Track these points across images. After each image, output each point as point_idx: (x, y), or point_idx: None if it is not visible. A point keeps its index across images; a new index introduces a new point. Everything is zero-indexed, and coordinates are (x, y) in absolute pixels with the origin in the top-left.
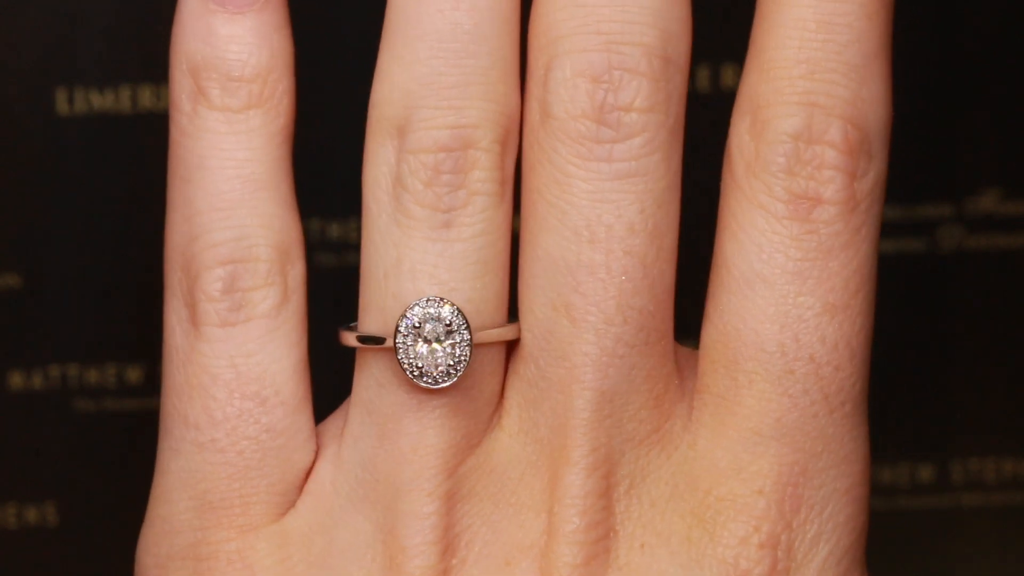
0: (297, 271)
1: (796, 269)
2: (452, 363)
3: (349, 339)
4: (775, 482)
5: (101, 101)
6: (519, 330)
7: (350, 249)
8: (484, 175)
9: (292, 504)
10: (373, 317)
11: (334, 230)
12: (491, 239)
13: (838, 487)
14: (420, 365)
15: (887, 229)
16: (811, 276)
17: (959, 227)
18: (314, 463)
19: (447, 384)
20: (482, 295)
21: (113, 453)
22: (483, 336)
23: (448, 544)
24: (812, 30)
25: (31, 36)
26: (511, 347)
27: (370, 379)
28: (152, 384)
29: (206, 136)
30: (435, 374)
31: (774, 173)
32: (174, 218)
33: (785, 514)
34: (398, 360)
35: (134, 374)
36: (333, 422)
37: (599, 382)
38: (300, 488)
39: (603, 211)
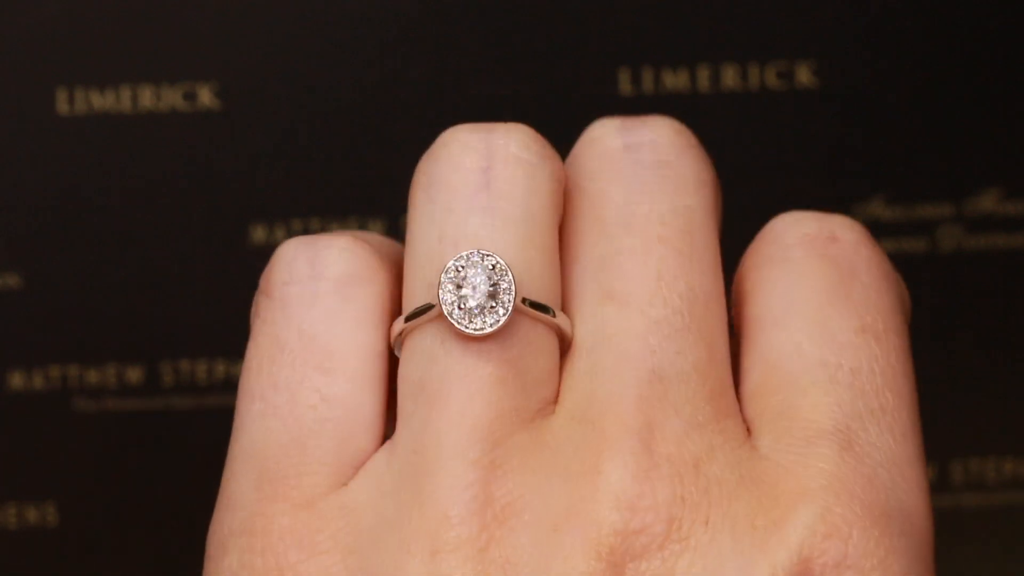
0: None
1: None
2: (492, 304)
3: (396, 326)
4: (840, 480)
5: (101, 101)
6: (568, 323)
7: None
8: None
9: (346, 482)
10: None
11: (334, 230)
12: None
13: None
14: (454, 302)
15: (887, 229)
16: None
17: (959, 227)
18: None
19: (488, 330)
20: (528, 267)
21: (113, 453)
22: (533, 314)
23: (493, 514)
24: None
25: (31, 36)
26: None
27: (418, 356)
28: (152, 384)
29: None
30: (471, 307)
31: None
32: None
33: (851, 510)
34: (439, 301)
35: (134, 374)
36: None
37: (648, 360)
38: (356, 468)
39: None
